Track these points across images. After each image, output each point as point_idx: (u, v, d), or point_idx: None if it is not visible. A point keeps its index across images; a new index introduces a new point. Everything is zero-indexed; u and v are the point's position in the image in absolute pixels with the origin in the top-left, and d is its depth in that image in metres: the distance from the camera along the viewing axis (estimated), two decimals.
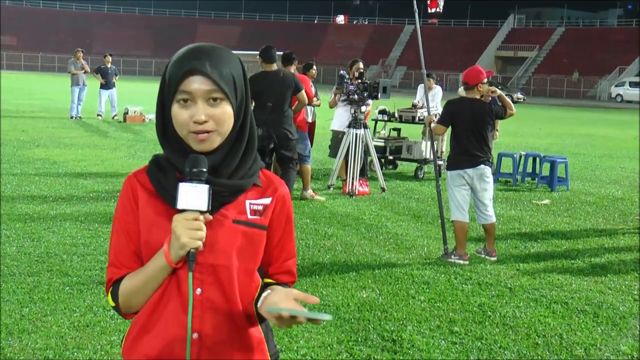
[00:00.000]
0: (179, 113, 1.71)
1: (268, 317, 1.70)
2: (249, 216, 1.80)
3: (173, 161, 1.76)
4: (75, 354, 4.26)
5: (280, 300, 1.72)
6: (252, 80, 8.08)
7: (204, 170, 1.70)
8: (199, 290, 1.74)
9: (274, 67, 8.68)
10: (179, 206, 1.69)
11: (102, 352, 4.29)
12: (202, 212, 1.70)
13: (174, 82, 1.71)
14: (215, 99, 1.71)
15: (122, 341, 1.87)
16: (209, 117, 1.70)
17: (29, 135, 15.72)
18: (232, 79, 1.74)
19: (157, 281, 1.76)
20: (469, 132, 6.80)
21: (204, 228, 1.70)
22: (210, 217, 1.73)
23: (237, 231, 1.78)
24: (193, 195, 1.68)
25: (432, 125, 7.29)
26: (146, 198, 1.80)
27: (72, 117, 20.28)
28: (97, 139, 16.07)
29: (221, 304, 1.76)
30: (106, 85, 20.60)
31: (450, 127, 6.97)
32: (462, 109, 6.86)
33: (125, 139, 16.27)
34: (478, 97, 6.90)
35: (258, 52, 8.82)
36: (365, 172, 10.76)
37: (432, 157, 7.68)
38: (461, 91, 7.12)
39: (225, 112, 1.73)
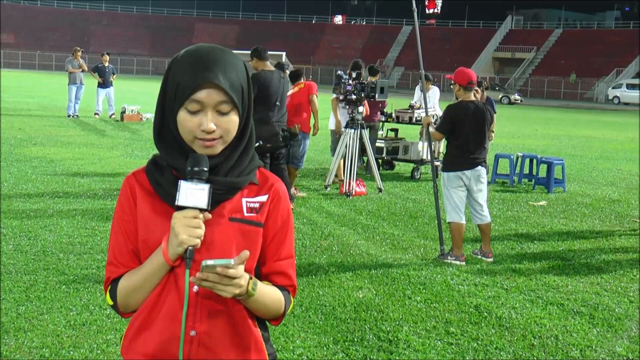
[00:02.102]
0: (187, 119, 1.72)
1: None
2: (245, 213, 1.81)
3: (169, 160, 1.77)
4: (72, 352, 4.26)
5: None
6: (261, 80, 8.14)
7: (205, 169, 1.71)
8: (195, 288, 1.74)
9: (269, 65, 8.67)
10: (179, 203, 1.69)
11: (99, 351, 4.29)
12: (201, 211, 1.70)
13: (184, 90, 1.71)
14: (225, 109, 1.73)
15: (120, 340, 1.87)
16: (217, 126, 1.72)
17: (26, 133, 15.70)
18: (241, 88, 1.75)
19: (155, 279, 1.76)
20: (470, 134, 6.79)
21: (203, 226, 1.71)
22: (210, 215, 1.74)
23: (233, 229, 1.78)
24: (193, 194, 1.69)
25: (431, 129, 7.27)
26: (144, 197, 1.81)
27: (69, 116, 20.26)
28: (94, 137, 16.05)
29: (218, 302, 1.76)
30: (103, 84, 20.57)
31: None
32: (463, 113, 6.83)
33: (122, 137, 16.25)
34: (472, 97, 6.91)
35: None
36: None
37: (429, 158, 7.69)
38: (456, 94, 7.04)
39: (233, 121, 1.75)
